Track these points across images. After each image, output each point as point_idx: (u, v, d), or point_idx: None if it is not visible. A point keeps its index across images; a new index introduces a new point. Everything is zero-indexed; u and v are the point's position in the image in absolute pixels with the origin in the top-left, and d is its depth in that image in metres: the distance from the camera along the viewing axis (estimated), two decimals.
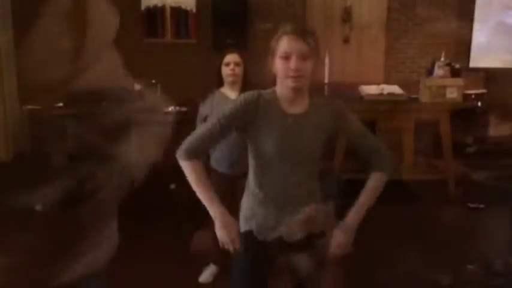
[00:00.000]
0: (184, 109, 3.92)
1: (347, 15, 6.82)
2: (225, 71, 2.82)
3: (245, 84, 2.85)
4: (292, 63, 1.69)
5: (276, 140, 1.75)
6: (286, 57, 1.70)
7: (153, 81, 4.14)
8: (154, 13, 6.53)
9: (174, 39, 6.70)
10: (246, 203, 1.87)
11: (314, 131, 1.78)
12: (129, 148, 3.76)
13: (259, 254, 1.84)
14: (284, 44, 1.71)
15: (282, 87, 1.77)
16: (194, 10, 6.57)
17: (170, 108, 4.03)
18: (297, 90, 1.74)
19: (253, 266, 1.85)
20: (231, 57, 2.83)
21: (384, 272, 3.22)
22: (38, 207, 4.31)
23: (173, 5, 6.57)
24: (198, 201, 1.79)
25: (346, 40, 6.87)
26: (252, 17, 6.68)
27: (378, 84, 4.86)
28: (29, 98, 5.98)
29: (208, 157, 2.90)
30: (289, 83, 1.72)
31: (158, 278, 3.11)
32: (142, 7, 6.61)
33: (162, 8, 6.46)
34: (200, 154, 1.83)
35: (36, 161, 4.49)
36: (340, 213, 4.04)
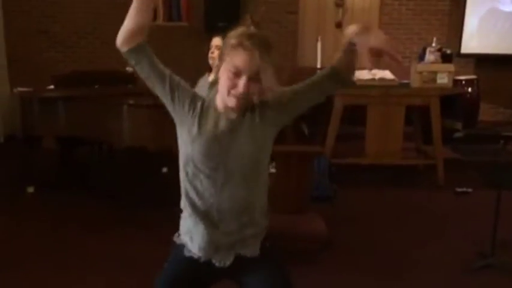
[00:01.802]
0: None
1: (340, 0, 6.80)
2: (209, 55, 2.90)
3: None
4: (241, 85, 1.42)
5: (205, 143, 1.48)
6: (236, 74, 1.42)
7: None
8: None
9: (166, 22, 6.66)
10: (184, 215, 1.62)
11: (249, 135, 1.49)
12: (120, 131, 3.77)
13: (197, 273, 1.60)
14: (237, 58, 1.42)
15: (220, 98, 1.50)
16: None
17: None
18: (236, 110, 1.47)
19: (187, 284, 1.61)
20: (214, 41, 2.92)
21: (374, 253, 3.28)
22: (30, 190, 4.32)
23: None
24: None
25: (338, 25, 6.86)
26: None
27: (370, 69, 4.88)
28: (19, 80, 5.95)
29: None
30: (231, 102, 1.45)
31: (151, 258, 3.16)
32: None
33: None
34: (144, 43, 1.61)
35: (28, 144, 4.47)
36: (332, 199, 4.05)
